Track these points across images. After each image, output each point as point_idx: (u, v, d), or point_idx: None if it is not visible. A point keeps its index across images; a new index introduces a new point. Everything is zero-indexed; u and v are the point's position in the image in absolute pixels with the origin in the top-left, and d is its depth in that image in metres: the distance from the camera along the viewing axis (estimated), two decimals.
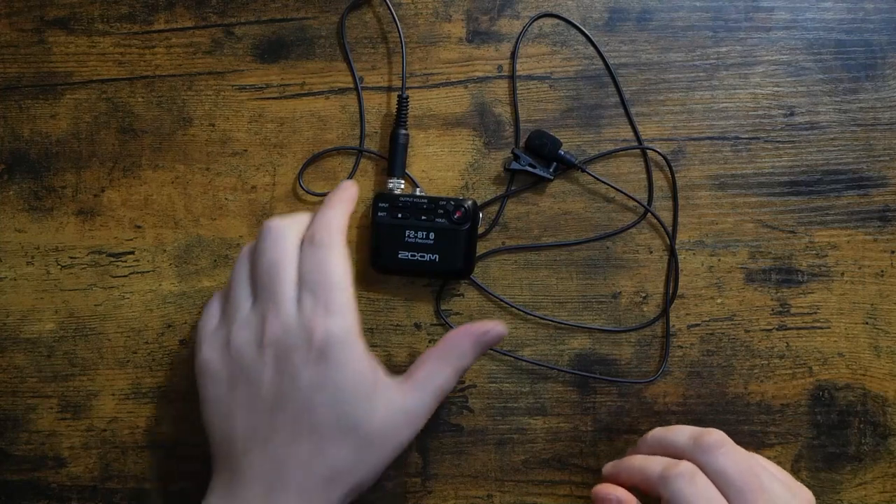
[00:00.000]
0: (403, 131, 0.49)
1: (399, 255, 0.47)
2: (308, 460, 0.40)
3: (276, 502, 0.40)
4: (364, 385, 0.40)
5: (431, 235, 0.46)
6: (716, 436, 0.41)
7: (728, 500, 0.39)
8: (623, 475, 0.43)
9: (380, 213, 0.47)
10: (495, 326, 0.43)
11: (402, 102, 0.48)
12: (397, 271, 0.48)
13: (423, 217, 0.47)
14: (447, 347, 0.43)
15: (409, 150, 0.50)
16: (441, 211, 0.46)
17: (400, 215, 0.47)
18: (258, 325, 0.41)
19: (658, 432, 0.44)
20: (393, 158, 0.48)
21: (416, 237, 0.46)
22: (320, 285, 0.40)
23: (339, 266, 0.41)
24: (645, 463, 0.42)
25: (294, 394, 0.40)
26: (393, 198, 0.47)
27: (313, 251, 0.41)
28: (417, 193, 0.47)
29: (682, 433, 0.43)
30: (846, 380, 0.49)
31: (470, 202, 0.47)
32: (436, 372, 0.42)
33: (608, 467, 0.45)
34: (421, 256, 0.46)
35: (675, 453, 0.42)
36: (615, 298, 0.50)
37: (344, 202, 0.44)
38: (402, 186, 0.48)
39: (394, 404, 0.41)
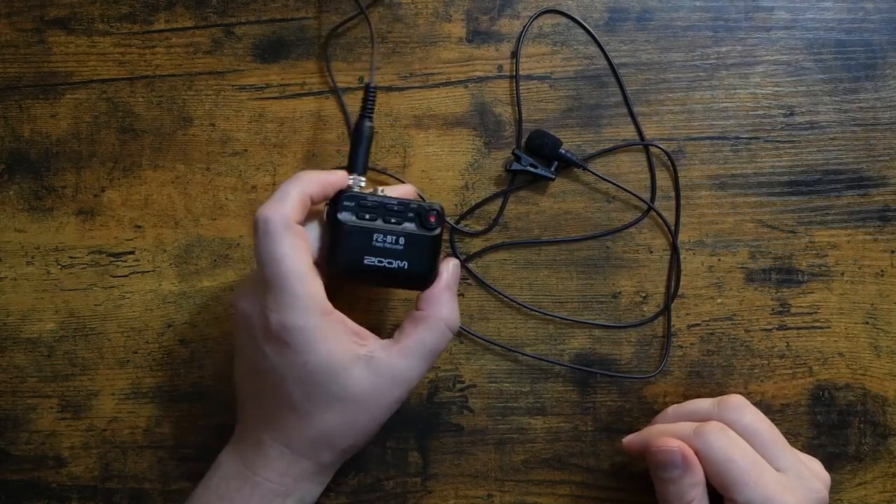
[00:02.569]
0: (369, 123, 0.45)
1: (365, 261, 0.42)
2: (293, 424, 0.41)
3: (265, 456, 0.42)
4: (335, 361, 0.40)
5: (402, 241, 0.42)
6: (737, 398, 0.44)
7: (758, 451, 0.42)
8: (650, 441, 0.44)
9: (343, 213, 0.42)
10: (452, 263, 0.44)
11: (370, 92, 0.45)
12: (358, 278, 0.43)
13: (393, 220, 0.42)
14: (429, 306, 0.43)
15: (409, 150, 0.50)
16: (411, 214, 0.42)
17: (367, 216, 0.42)
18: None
19: (676, 407, 0.47)
20: (355, 152, 0.44)
21: (385, 241, 0.42)
22: (270, 278, 0.39)
23: (285, 256, 0.39)
24: (673, 428, 0.44)
25: (267, 367, 0.41)
26: (359, 197, 0.42)
27: (259, 241, 0.40)
28: (380, 193, 0.43)
29: (702, 401, 0.45)
30: (846, 380, 0.49)
31: (439, 206, 0.43)
32: (425, 335, 0.42)
33: (631, 438, 0.46)
34: (389, 263, 0.42)
35: (700, 418, 0.44)
36: (615, 298, 0.50)
37: (311, 177, 0.41)
38: (363, 184, 0.44)
39: (380, 370, 0.41)
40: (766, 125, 0.50)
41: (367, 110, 0.45)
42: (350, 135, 0.50)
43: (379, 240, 0.42)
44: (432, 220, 0.43)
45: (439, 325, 0.42)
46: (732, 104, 0.50)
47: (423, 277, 0.43)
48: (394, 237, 0.42)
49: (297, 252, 0.40)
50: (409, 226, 0.43)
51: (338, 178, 0.43)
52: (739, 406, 0.43)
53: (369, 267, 0.42)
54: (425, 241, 0.43)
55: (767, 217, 0.50)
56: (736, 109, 0.50)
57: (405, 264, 0.42)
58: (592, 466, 0.49)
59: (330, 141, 0.50)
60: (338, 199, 0.42)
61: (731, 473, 0.40)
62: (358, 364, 0.41)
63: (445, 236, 0.50)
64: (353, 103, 0.50)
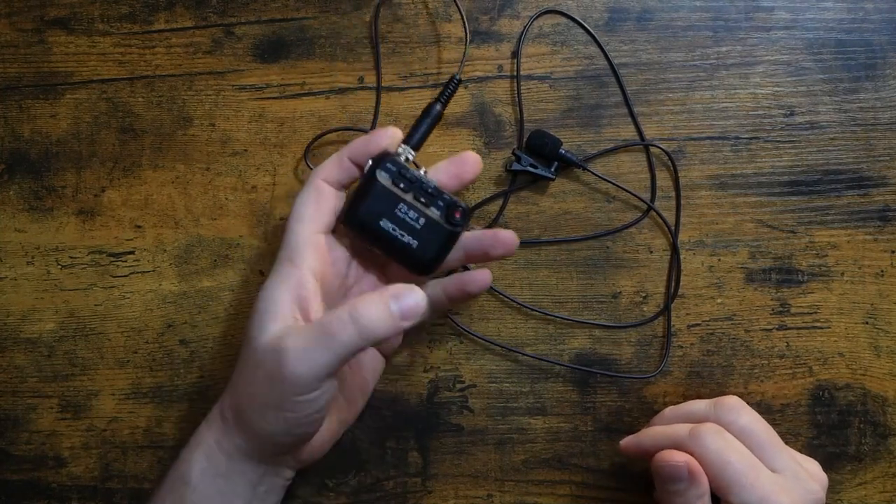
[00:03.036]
0: (438, 107, 0.46)
1: (380, 223, 0.43)
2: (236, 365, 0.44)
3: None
4: (266, 307, 0.41)
5: (421, 221, 0.43)
6: (734, 399, 0.44)
7: (755, 454, 0.42)
8: (647, 443, 0.44)
9: (383, 172, 0.43)
10: (418, 295, 0.40)
11: (452, 82, 0.47)
12: (367, 236, 0.44)
13: (422, 199, 0.43)
14: (360, 300, 0.40)
15: None
16: (440, 203, 0.43)
17: (402, 185, 0.43)
18: None
19: (673, 408, 0.47)
20: (416, 127, 0.46)
21: (406, 214, 0.43)
22: None
23: (296, 205, 0.43)
24: (670, 430, 0.44)
25: None
26: (402, 166, 0.43)
27: None
28: (422, 173, 0.44)
29: (698, 403, 0.45)
30: (846, 380, 0.49)
31: (468, 207, 0.44)
32: (331, 316, 0.39)
33: (628, 440, 0.46)
34: (401, 235, 0.43)
35: (697, 420, 0.44)
36: (615, 298, 0.50)
37: (356, 143, 0.44)
38: (412, 157, 0.45)
39: (282, 337, 0.39)
40: (766, 125, 0.50)
41: (442, 96, 0.47)
42: (374, 114, 0.50)
43: (402, 210, 0.43)
44: (457, 216, 0.44)
45: (344, 315, 0.39)
46: (732, 104, 0.50)
47: (424, 263, 0.44)
48: (416, 214, 0.43)
49: (306, 202, 0.43)
50: (435, 212, 0.44)
51: (381, 132, 0.44)
52: (736, 407, 0.43)
53: (381, 230, 0.43)
54: (442, 231, 0.44)
55: (767, 217, 0.50)
56: (736, 109, 0.50)
57: (415, 243, 0.43)
58: (592, 466, 0.49)
59: (330, 141, 0.50)
60: (382, 160, 0.43)
61: (728, 475, 0.40)
62: (271, 323, 0.40)
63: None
64: (354, 104, 0.50)
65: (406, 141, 0.45)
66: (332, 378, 0.40)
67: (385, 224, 0.43)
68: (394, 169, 0.43)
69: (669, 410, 0.47)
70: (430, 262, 0.44)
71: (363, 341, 0.38)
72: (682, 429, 0.43)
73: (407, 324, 0.39)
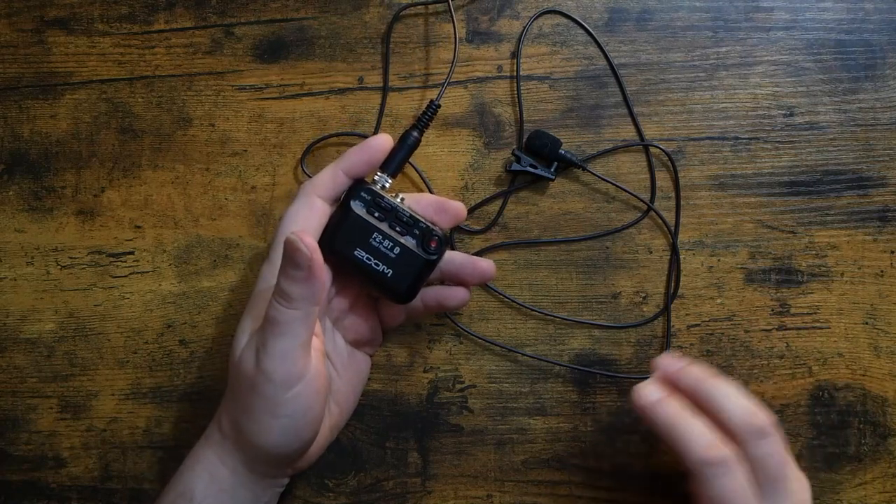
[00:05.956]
0: (415, 134, 0.45)
1: (355, 252, 0.43)
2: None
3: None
4: (245, 325, 0.43)
5: (396, 250, 0.43)
6: (766, 421, 0.40)
7: (759, 487, 0.39)
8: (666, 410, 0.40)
9: (357, 202, 0.43)
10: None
11: (431, 107, 0.46)
12: (342, 265, 0.44)
13: (398, 228, 0.44)
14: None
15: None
16: (416, 231, 0.44)
17: (377, 214, 0.43)
18: None
19: (711, 387, 0.41)
20: (393, 155, 0.45)
21: (381, 244, 0.43)
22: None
23: (286, 219, 0.43)
24: (689, 427, 0.40)
25: None
26: (377, 194, 0.44)
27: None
28: (399, 201, 0.44)
29: (736, 407, 0.40)
30: (846, 380, 0.49)
31: (444, 235, 0.44)
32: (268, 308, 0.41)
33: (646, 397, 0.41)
34: (376, 264, 0.43)
35: (722, 423, 0.40)
36: (615, 299, 0.50)
37: (350, 155, 0.44)
38: (388, 185, 0.45)
39: (276, 358, 0.40)
40: (765, 125, 0.50)
41: (420, 122, 0.46)
42: (377, 123, 0.50)
43: (377, 240, 0.43)
44: (432, 245, 0.44)
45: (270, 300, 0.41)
46: (732, 104, 0.50)
47: (399, 291, 0.44)
48: (391, 243, 0.43)
49: (295, 218, 0.43)
50: (410, 240, 0.44)
51: (373, 141, 0.44)
52: (765, 433, 0.40)
53: (356, 259, 0.43)
54: (417, 260, 0.44)
55: (767, 217, 0.50)
56: (736, 110, 0.50)
57: (389, 272, 0.44)
58: (592, 467, 0.49)
59: (329, 142, 0.50)
60: (356, 188, 0.44)
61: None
62: (266, 343, 0.40)
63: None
64: (354, 104, 0.50)
65: (382, 169, 0.45)
66: (306, 362, 0.40)
67: (359, 254, 0.43)
68: (368, 198, 0.44)
69: (707, 384, 0.41)
70: (405, 292, 0.44)
71: (283, 301, 0.39)
72: (701, 439, 0.39)
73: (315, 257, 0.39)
